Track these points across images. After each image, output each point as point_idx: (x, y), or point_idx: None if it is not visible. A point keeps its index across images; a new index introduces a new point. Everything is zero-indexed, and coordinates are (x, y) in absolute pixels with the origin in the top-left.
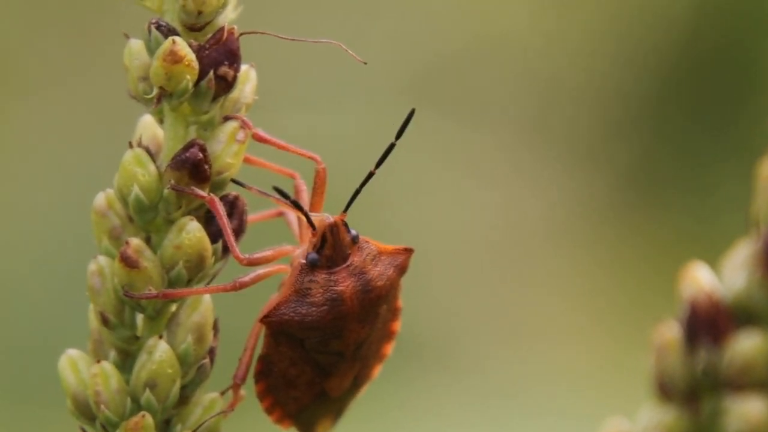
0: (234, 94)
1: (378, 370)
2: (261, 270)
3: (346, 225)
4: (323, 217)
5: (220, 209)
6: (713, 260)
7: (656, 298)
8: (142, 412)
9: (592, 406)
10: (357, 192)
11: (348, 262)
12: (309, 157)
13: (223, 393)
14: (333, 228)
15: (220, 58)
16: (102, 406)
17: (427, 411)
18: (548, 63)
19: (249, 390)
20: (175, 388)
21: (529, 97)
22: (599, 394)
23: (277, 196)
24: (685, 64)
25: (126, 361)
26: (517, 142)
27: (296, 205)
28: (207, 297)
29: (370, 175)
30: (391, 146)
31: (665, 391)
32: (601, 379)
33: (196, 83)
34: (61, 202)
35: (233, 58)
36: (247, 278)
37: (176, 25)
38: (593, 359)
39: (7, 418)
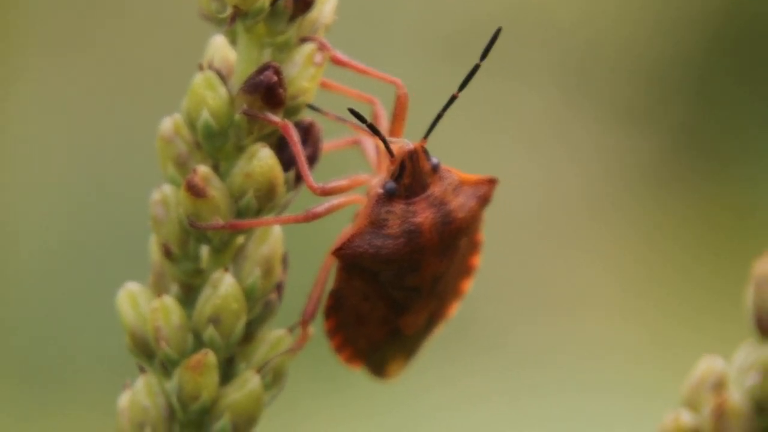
0: (312, 14)
1: (455, 308)
2: (335, 200)
3: (426, 152)
4: (402, 143)
5: (294, 135)
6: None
7: (702, 270)
8: (205, 350)
9: (642, 381)
10: (439, 116)
11: (427, 192)
12: (390, 82)
13: (290, 330)
14: (412, 155)
15: None
16: (162, 343)
17: (471, 390)
18: (590, 26)
19: (318, 328)
20: (240, 324)
21: (570, 58)
22: (650, 368)
23: (355, 120)
24: (733, 24)
25: (189, 296)
26: (560, 104)
27: (374, 130)
28: (277, 228)
29: (453, 98)
30: (476, 67)
31: (765, 327)
32: (651, 354)
33: (273, 2)
34: (123, 125)
35: None
36: (320, 208)
37: None
38: (638, 332)
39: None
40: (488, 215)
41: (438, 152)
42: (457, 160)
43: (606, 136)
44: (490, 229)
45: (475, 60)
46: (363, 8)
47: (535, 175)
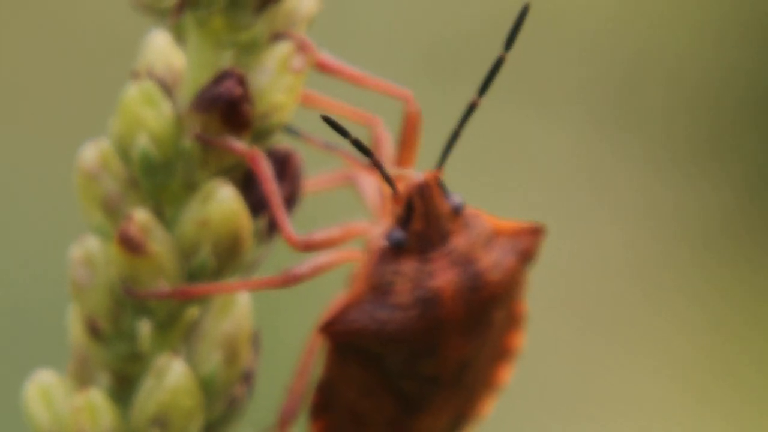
0: (289, 2)
1: (490, 405)
2: (323, 257)
3: (443, 186)
4: (409, 176)
5: (266, 169)
6: None
7: None
8: None
9: None
10: (456, 134)
11: (448, 245)
12: (397, 95)
13: None
14: (423, 190)
15: None
16: None
17: None
18: (632, 33)
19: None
20: (196, 429)
21: (608, 79)
22: None
23: (348, 148)
24: None
25: (124, 389)
26: (594, 140)
27: (373, 161)
28: (244, 297)
29: (473, 107)
30: (500, 61)
31: None
32: None
33: None
34: (32, 162)
35: None
36: (303, 268)
37: None
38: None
39: None
40: None
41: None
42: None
43: (656, 182)
44: None
45: (464, 75)
46: (330, 17)
47: (561, 235)
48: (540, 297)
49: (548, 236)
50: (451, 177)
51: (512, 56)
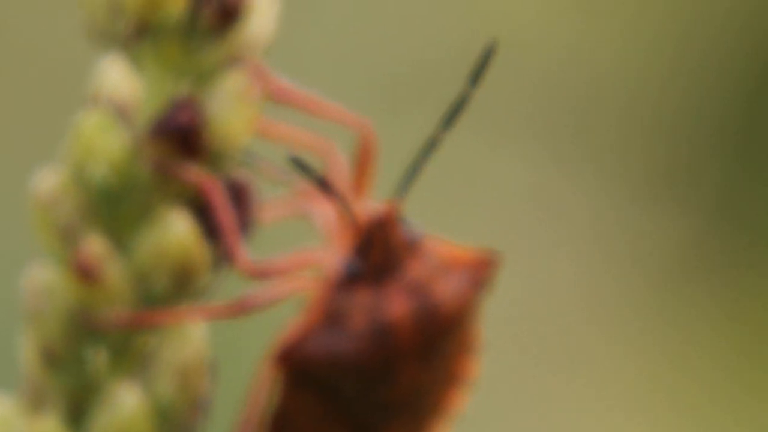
0: (247, 30)
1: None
2: (278, 287)
3: (402, 217)
4: (369, 206)
5: (221, 197)
6: None
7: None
8: None
9: None
10: (418, 165)
11: (405, 274)
12: (355, 125)
13: None
14: (383, 221)
15: None
16: None
17: None
18: (587, 63)
19: None
20: None
21: (563, 110)
22: None
23: (303, 176)
24: None
25: (78, 418)
26: (550, 171)
27: (330, 190)
28: (199, 324)
29: (435, 140)
30: (465, 97)
31: None
32: None
33: (192, 13)
34: None
35: None
36: (259, 297)
37: None
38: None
39: None
40: None
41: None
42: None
43: (614, 215)
44: None
45: (424, 105)
46: (285, 44)
47: (517, 270)
48: (494, 329)
49: (503, 268)
50: (406, 205)
51: (456, 87)
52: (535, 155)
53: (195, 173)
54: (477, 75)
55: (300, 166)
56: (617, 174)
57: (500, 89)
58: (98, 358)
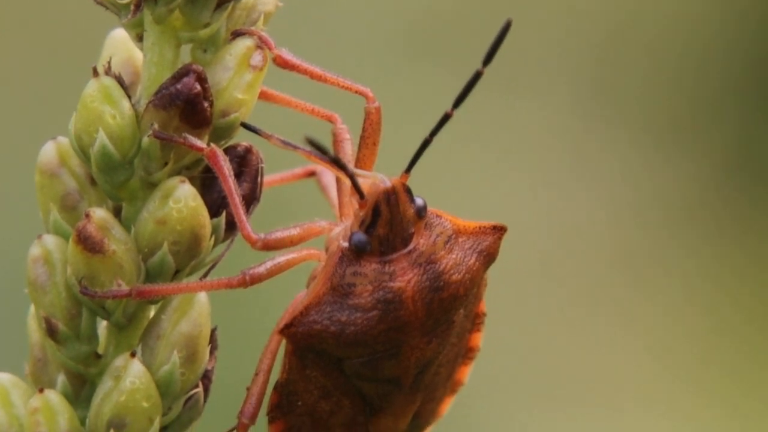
0: None
1: (447, 405)
2: (282, 257)
3: (408, 191)
4: (376, 180)
5: (225, 167)
6: None
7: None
8: None
9: None
10: (426, 143)
11: (410, 246)
12: (357, 92)
13: None
14: (390, 196)
15: None
16: None
17: None
18: (612, 13)
19: None
20: (153, 430)
21: (586, 55)
22: None
23: (308, 148)
24: None
25: (81, 390)
26: (574, 120)
27: (336, 162)
28: (202, 297)
29: (446, 117)
30: (476, 76)
31: None
32: None
33: None
34: None
35: None
36: (261, 268)
37: None
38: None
39: None
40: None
41: (415, 185)
42: (438, 196)
43: (637, 160)
44: (490, 290)
45: (452, 58)
46: None
47: (543, 215)
48: (524, 276)
49: (531, 212)
50: (434, 158)
51: (489, 37)
52: (559, 105)
53: (198, 142)
54: (490, 55)
55: (311, 142)
56: (640, 121)
57: (525, 40)
58: (102, 331)
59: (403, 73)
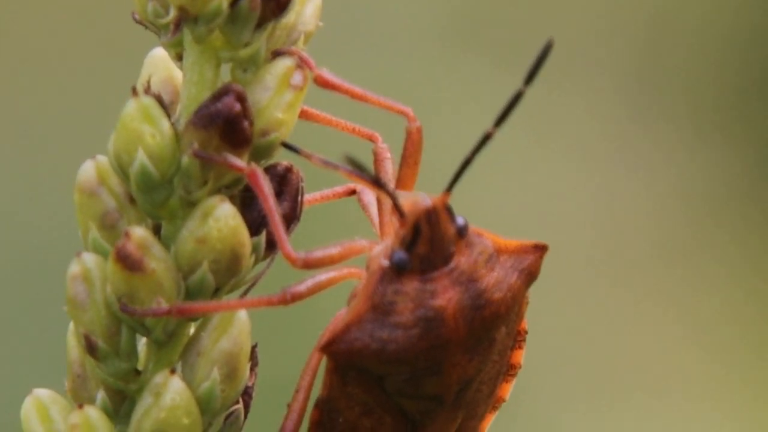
0: (288, 18)
1: (489, 422)
2: (323, 275)
3: (449, 210)
4: (417, 199)
5: (265, 186)
6: None
7: None
8: None
9: None
10: (467, 162)
11: (451, 265)
12: (398, 112)
13: None
14: (431, 215)
15: None
16: None
17: None
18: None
19: None
20: None
21: (630, 44)
22: None
23: (349, 167)
24: None
25: (121, 407)
26: (615, 106)
27: (376, 182)
28: (242, 314)
29: (487, 137)
30: (518, 95)
31: None
32: None
33: (233, 2)
34: (31, 177)
35: None
36: (302, 287)
37: None
38: (738, 427)
39: None
40: None
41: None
42: (482, 190)
43: (681, 148)
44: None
45: (494, 50)
46: None
47: (589, 207)
48: (567, 263)
49: (576, 204)
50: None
51: (533, 26)
52: (604, 98)
53: (238, 162)
54: (531, 75)
55: (352, 161)
56: (683, 108)
57: (568, 32)
58: (141, 348)
59: (445, 66)
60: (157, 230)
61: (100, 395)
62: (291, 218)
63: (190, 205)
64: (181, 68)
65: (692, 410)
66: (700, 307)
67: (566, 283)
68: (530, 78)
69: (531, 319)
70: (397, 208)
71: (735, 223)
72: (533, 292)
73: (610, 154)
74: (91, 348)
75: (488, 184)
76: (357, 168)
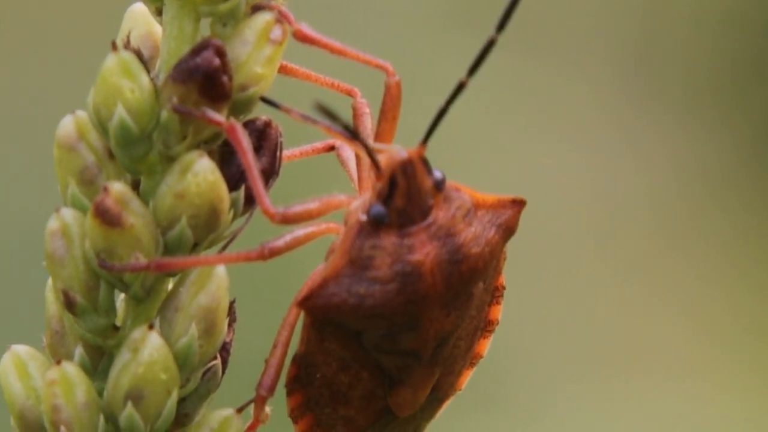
0: None
1: (467, 378)
2: (301, 230)
3: (426, 163)
4: (393, 152)
5: (244, 141)
6: None
7: None
8: None
9: None
10: (442, 112)
11: (429, 219)
12: (377, 66)
13: (240, 410)
14: (407, 167)
15: None
16: (62, 428)
17: None
18: None
19: (278, 405)
20: (171, 402)
21: (628, 29)
22: None
23: (327, 121)
24: None
25: (99, 363)
26: (614, 89)
27: (353, 135)
28: (220, 270)
29: (461, 86)
30: (490, 43)
31: None
32: None
33: None
34: (8, 132)
35: None
36: (280, 242)
37: None
38: (732, 404)
39: None
40: (522, 239)
41: (456, 159)
42: (479, 168)
43: (678, 130)
44: (525, 257)
45: (490, 28)
46: None
47: (584, 186)
48: (569, 247)
49: (571, 182)
50: (474, 124)
51: (530, 7)
52: (602, 78)
53: (217, 116)
54: (502, 21)
55: (326, 111)
56: (681, 91)
57: (565, 13)
58: (120, 304)
59: (438, 43)
60: (136, 185)
61: (78, 351)
62: (270, 173)
63: (169, 160)
64: (160, 23)
65: (688, 385)
66: (695, 285)
67: (565, 262)
68: (501, 26)
69: (526, 301)
70: (373, 161)
71: (731, 204)
72: (529, 273)
73: (609, 137)
74: (69, 303)
75: (488, 168)
76: (333, 118)
